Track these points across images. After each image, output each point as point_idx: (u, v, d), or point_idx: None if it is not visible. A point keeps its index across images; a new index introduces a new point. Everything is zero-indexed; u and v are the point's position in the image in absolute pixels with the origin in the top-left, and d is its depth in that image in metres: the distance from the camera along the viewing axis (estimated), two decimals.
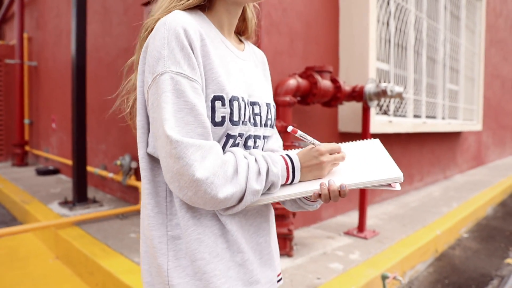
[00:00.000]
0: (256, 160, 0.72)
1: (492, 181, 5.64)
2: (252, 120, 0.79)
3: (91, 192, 3.98)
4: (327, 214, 3.28)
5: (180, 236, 0.75)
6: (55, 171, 5.17)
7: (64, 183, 4.61)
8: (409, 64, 3.99)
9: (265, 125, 0.84)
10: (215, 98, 0.72)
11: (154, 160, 0.77)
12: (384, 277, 2.14)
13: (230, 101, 0.73)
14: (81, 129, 3.41)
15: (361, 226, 2.91)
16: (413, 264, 2.71)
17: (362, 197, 2.90)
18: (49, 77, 5.63)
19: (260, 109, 0.82)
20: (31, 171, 5.45)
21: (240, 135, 0.76)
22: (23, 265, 2.63)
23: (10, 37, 7.26)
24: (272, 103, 0.89)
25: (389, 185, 0.74)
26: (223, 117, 0.72)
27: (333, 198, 0.73)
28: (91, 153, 4.31)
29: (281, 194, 0.73)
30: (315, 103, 2.67)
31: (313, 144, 0.78)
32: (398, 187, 0.74)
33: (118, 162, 3.45)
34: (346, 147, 0.84)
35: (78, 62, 3.38)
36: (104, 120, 4.09)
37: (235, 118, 0.73)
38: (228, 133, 0.74)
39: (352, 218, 3.38)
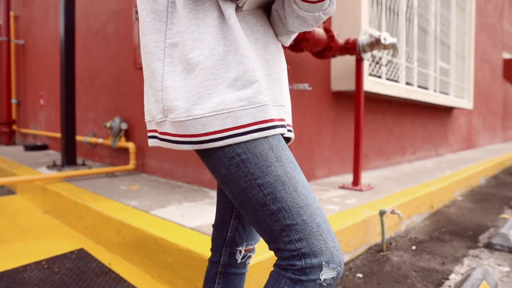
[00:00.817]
0: None
1: (484, 159, 5.67)
2: None
3: (80, 161, 3.88)
4: (321, 174, 3.25)
5: (178, 43, 0.71)
6: (44, 147, 5.05)
7: (52, 156, 4.50)
8: (400, 32, 3.97)
9: None
10: None
11: None
12: (381, 213, 2.11)
13: None
14: (70, 94, 3.32)
15: (356, 180, 2.88)
16: (410, 214, 2.68)
17: (356, 154, 2.86)
18: (37, 54, 5.52)
19: None
20: (19, 148, 5.33)
21: None
22: (10, 218, 2.54)
23: None
24: None
25: None
26: None
27: None
28: (80, 123, 4.22)
29: None
30: (308, 49, 2.63)
31: None
32: None
33: (108, 124, 3.38)
34: None
35: (66, 32, 3.29)
36: (93, 88, 4.01)
37: None
38: None
39: (346, 178, 3.35)
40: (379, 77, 3.55)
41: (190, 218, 1.92)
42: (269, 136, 0.68)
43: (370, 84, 3.28)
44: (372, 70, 3.43)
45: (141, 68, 2.97)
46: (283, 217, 0.66)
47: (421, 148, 5.15)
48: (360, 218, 2.11)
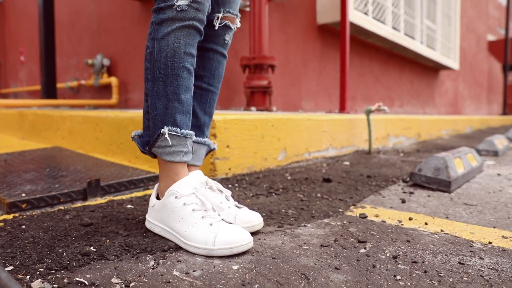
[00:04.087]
0: None
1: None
2: None
3: None
4: (308, 107, 3.20)
5: None
6: None
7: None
8: None
9: None
10: None
11: None
12: (368, 111, 2.07)
13: None
14: (49, 43, 3.19)
15: (342, 106, 2.83)
16: (397, 133, 2.65)
17: (343, 80, 2.81)
18: (15, 8, 5.35)
19: None
20: None
21: None
22: None
23: None
24: None
25: None
26: None
27: None
28: (62, 71, 4.10)
29: None
30: None
31: None
32: None
33: (90, 61, 3.27)
34: None
35: None
36: (74, 32, 3.89)
37: None
38: None
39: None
40: (366, 13, 3.50)
41: None
42: None
43: (356, 18, 3.23)
44: (358, 6, 3.38)
45: None
46: None
47: (408, 103, 5.15)
48: (345, 117, 2.07)
